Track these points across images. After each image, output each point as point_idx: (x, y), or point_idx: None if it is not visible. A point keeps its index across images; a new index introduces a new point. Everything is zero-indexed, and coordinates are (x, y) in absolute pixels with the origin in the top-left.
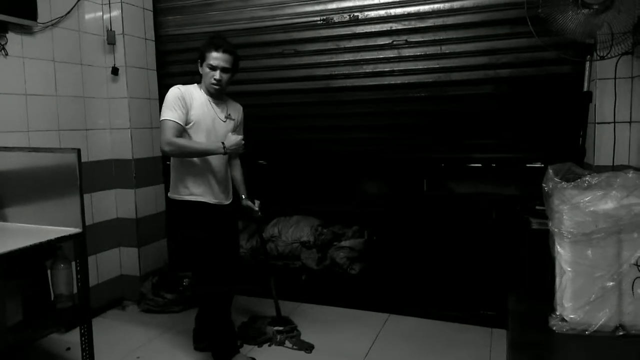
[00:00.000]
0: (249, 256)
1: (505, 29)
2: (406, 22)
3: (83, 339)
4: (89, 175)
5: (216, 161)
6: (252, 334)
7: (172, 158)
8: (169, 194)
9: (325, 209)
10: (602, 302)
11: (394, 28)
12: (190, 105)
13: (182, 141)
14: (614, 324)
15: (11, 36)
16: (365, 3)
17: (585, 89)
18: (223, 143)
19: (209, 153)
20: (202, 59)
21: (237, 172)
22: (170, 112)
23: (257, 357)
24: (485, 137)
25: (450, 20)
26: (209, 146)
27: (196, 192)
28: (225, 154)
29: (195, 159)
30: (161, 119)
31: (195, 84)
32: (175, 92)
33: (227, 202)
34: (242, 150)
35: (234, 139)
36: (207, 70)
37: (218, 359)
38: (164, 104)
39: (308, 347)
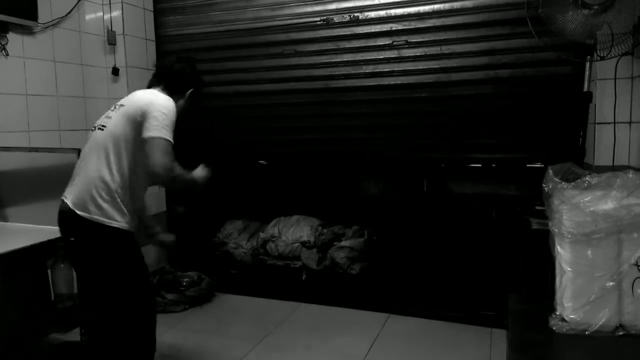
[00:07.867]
0: (249, 256)
1: (505, 29)
2: (406, 23)
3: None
4: None
5: None
6: None
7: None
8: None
9: (326, 208)
10: (602, 302)
11: (394, 28)
12: None
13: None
14: (614, 324)
15: (12, 36)
16: (366, 3)
17: (585, 89)
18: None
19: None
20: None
21: None
22: (170, 133)
23: None
24: (486, 137)
25: (450, 21)
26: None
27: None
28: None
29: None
30: (162, 136)
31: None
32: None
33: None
34: None
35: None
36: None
37: None
38: (165, 118)
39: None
